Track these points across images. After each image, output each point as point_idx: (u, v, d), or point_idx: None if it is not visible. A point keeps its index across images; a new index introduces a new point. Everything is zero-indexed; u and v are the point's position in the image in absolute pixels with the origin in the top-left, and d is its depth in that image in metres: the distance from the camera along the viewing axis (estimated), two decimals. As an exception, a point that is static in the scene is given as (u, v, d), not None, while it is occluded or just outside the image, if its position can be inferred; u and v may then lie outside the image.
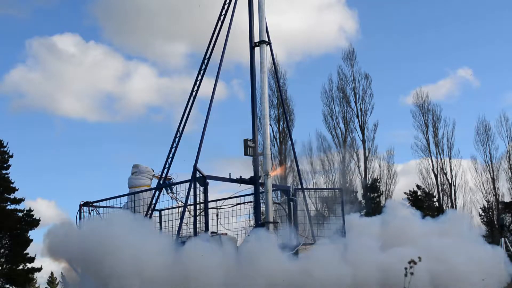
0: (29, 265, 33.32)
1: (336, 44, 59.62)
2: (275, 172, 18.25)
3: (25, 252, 33.28)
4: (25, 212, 33.72)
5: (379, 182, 40.60)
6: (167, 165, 16.97)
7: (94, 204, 17.53)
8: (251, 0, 17.36)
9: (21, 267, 33.11)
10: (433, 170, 41.75)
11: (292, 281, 12.53)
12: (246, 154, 16.47)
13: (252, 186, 16.72)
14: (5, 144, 34.52)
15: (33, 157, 65.93)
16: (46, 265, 34.65)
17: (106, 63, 65.26)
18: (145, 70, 67.35)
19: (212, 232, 15.34)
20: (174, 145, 16.97)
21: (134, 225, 13.86)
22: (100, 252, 12.74)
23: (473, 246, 15.32)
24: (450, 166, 41.72)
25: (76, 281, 14.14)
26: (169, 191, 17.04)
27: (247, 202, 17.24)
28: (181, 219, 15.31)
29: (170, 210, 17.65)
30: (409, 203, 39.26)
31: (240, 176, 16.31)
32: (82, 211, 17.37)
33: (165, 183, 16.91)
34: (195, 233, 14.80)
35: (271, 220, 15.50)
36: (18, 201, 33.86)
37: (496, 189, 41.44)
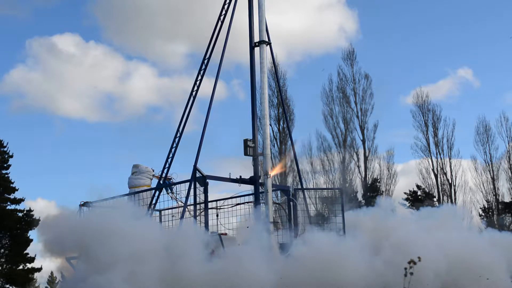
0: (29, 265, 33.30)
1: (336, 44, 59.63)
2: (274, 170, 18.23)
3: (25, 252, 33.28)
4: (25, 212, 33.71)
5: (379, 182, 40.58)
6: (167, 165, 16.99)
7: (94, 204, 17.52)
8: (251, 0, 17.38)
9: (21, 267, 33.10)
10: (433, 170, 41.75)
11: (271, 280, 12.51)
12: (246, 154, 16.49)
13: (252, 186, 16.74)
14: (5, 144, 34.52)
15: (33, 157, 66.02)
16: (46, 265, 34.63)
17: (106, 63, 65.34)
18: (145, 70, 67.45)
19: (212, 232, 15.35)
20: (174, 145, 16.99)
21: (130, 215, 13.90)
22: (98, 241, 12.72)
23: (473, 240, 15.35)
24: (450, 166, 41.73)
25: (75, 278, 14.08)
26: (169, 191, 17.05)
27: (247, 202, 17.25)
28: (181, 219, 15.31)
29: (170, 210, 17.66)
30: (409, 203, 39.30)
31: (240, 176, 16.32)
32: (82, 211, 17.36)
33: (165, 183, 16.91)
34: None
35: (271, 220, 15.50)
36: (18, 201, 33.84)
37: (496, 189, 41.44)
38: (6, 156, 34.33)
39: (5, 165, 34.24)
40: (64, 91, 65.27)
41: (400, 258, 10.55)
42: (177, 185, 16.79)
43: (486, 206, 41.06)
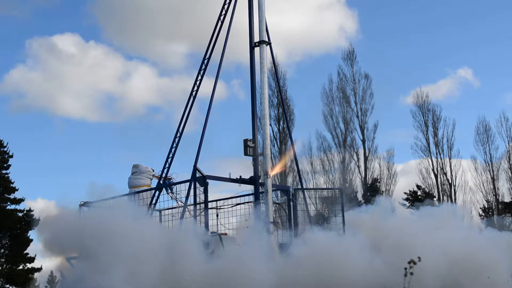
0: (29, 265, 33.32)
1: (336, 44, 59.63)
2: (275, 169, 18.23)
3: (25, 252, 33.29)
4: (25, 212, 33.72)
5: (379, 182, 40.59)
6: (167, 165, 17.00)
7: (94, 204, 17.50)
8: (251, 0, 17.38)
9: (21, 267, 33.10)
10: (433, 170, 41.76)
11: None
12: (246, 154, 16.50)
13: (252, 186, 16.74)
14: (5, 144, 34.55)
15: (33, 157, 65.99)
16: (46, 265, 34.62)
17: (106, 63, 65.33)
18: (145, 70, 67.46)
19: (212, 232, 15.36)
20: (174, 145, 17.00)
21: (131, 215, 13.96)
22: (98, 241, 12.77)
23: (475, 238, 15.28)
24: (450, 166, 41.73)
25: (75, 278, 14.09)
26: (169, 191, 17.05)
27: (247, 202, 17.25)
28: (181, 219, 15.31)
29: (170, 210, 17.65)
30: (409, 203, 39.31)
31: (240, 176, 16.32)
32: (82, 211, 17.35)
33: (165, 183, 16.92)
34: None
35: (271, 220, 15.50)
36: (18, 201, 33.85)
37: (496, 189, 41.43)
38: (6, 156, 34.36)
39: (5, 165, 34.26)
40: (64, 91, 65.28)
41: (399, 257, 10.56)
42: (177, 185, 16.79)
43: (486, 206, 41.07)
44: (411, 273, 4.49)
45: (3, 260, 32.90)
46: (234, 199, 17.26)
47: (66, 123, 66.62)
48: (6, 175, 34.14)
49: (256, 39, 16.89)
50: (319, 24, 56.82)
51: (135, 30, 60.51)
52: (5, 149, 34.52)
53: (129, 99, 65.67)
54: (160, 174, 17.34)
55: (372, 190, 39.95)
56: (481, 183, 41.59)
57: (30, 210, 33.87)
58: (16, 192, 33.94)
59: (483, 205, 41.21)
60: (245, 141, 16.48)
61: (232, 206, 17.29)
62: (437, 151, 41.91)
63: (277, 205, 17.52)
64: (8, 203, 33.70)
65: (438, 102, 57.93)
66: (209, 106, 16.42)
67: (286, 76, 42.70)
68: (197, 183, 15.33)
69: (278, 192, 19.41)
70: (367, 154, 40.61)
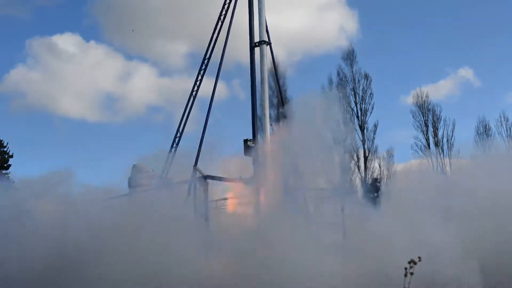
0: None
1: (336, 44, 59.64)
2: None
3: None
4: (25, 212, 33.73)
5: (379, 182, 40.56)
6: (167, 165, 16.99)
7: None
8: (251, 0, 17.38)
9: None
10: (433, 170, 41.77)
11: None
12: (246, 154, 16.50)
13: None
14: (5, 144, 34.54)
15: (33, 157, 65.93)
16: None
17: (106, 63, 65.25)
18: (145, 70, 67.32)
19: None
20: (174, 145, 17.00)
21: None
22: None
23: None
24: (450, 166, 41.74)
25: None
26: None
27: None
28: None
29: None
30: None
31: (240, 176, 16.30)
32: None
33: (165, 183, 16.90)
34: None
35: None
36: (18, 201, 33.85)
37: (496, 189, 41.41)
38: (6, 156, 34.34)
39: (5, 165, 34.25)
40: (64, 91, 65.24)
41: None
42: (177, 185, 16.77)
43: (486, 206, 41.05)
44: (412, 273, 4.49)
45: (3, 260, 32.89)
46: (234, 199, 17.23)
47: (66, 123, 66.58)
48: (6, 175, 34.12)
49: (256, 39, 16.89)
50: (319, 24, 56.83)
51: (136, 30, 60.50)
52: (5, 149, 34.52)
53: (129, 99, 65.60)
54: (160, 174, 17.32)
55: (372, 190, 39.93)
56: (481, 183, 41.60)
57: (30, 210, 33.86)
58: (16, 192, 33.95)
59: (483, 205, 41.22)
60: (245, 141, 16.48)
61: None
62: (437, 151, 41.92)
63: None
64: (8, 203, 33.69)
65: (438, 102, 57.93)
66: (209, 106, 16.45)
67: (286, 76, 42.67)
68: (197, 183, 15.34)
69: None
70: (367, 154, 40.60)
